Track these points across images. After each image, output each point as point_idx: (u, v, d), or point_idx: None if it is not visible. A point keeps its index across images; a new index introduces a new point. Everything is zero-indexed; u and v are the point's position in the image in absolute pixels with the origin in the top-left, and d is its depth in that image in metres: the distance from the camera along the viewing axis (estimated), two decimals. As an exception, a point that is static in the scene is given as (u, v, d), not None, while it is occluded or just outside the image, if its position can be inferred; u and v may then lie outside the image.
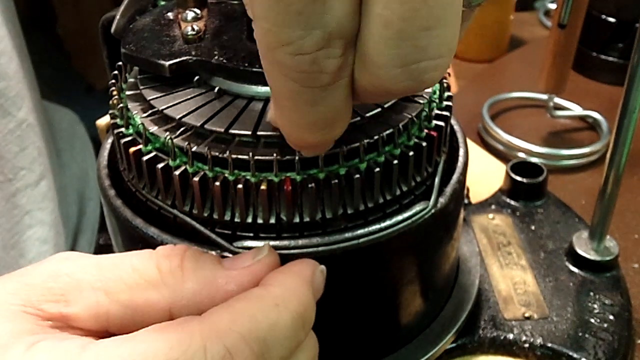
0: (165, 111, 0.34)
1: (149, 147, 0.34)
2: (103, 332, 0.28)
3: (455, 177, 0.39)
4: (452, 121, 0.42)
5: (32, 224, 0.56)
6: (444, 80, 0.38)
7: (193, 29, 0.36)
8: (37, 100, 0.61)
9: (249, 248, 0.33)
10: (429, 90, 0.37)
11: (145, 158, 0.34)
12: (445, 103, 0.37)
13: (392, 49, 0.24)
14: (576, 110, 0.77)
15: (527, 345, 0.46)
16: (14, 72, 0.55)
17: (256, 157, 0.32)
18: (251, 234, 0.34)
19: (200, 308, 0.29)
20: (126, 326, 0.28)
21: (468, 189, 0.58)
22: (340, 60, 0.24)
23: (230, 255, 0.33)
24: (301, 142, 0.29)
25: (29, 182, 0.56)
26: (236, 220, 0.33)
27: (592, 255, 0.51)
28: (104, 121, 0.50)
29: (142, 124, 0.34)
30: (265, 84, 0.34)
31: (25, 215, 0.56)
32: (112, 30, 0.39)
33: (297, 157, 0.32)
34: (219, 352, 0.26)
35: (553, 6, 1.02)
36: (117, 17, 0.38)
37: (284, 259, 0.32)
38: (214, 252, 0.33)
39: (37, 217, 0.57)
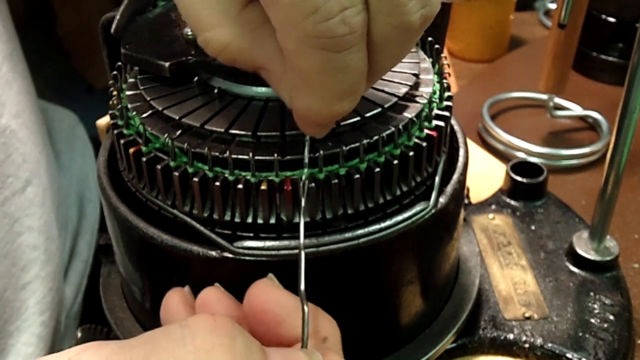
0: (165, 111, 0.34)
1: (149, 147, 0.34)
2: None
3: (455, 177, 0.39)
4: (452, 121, 0.42)
5: (22, 231, 0.56)
6: (444, 80, 0.38)
7: (193, 29, 0.36)
8: (24, 104, 0.60)
9: (249, 248, 0.33)
10: (429, 90, 0.37)
11: (145, 158, 0.34)
12: (445, 103, 0.37)
13: None
14: (576, 110, 0.77)
15: (527, 345, 0.46)
16: None
17: (256, 157, 0.32)
18: (251, 234, 0.34)
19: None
20: None
21: (468, 189, 0.58)
22: (364, 14, 0.25)
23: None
24: (332, 115, 0.28)
25: (16, 189, 0.55)
26: (236, 220, 0.33)
27: (592, 255, 0.51)
28: (104, 121, 0.50)
29: (142, 124, 0.34)
30: (265, 84, 0.34)
31: (15, 223, 0.55)
32: (112, 30, 0.39)
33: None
34: None
35: (553, 6, 1.02)
36: (117, 17, 0.38)
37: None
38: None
39: (25, 223, 0.56)
